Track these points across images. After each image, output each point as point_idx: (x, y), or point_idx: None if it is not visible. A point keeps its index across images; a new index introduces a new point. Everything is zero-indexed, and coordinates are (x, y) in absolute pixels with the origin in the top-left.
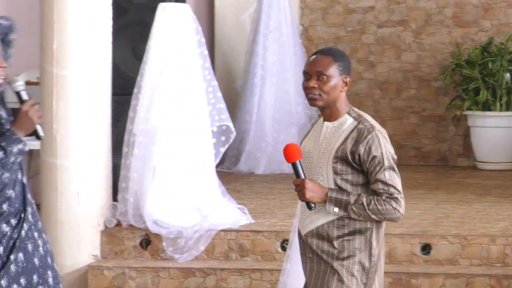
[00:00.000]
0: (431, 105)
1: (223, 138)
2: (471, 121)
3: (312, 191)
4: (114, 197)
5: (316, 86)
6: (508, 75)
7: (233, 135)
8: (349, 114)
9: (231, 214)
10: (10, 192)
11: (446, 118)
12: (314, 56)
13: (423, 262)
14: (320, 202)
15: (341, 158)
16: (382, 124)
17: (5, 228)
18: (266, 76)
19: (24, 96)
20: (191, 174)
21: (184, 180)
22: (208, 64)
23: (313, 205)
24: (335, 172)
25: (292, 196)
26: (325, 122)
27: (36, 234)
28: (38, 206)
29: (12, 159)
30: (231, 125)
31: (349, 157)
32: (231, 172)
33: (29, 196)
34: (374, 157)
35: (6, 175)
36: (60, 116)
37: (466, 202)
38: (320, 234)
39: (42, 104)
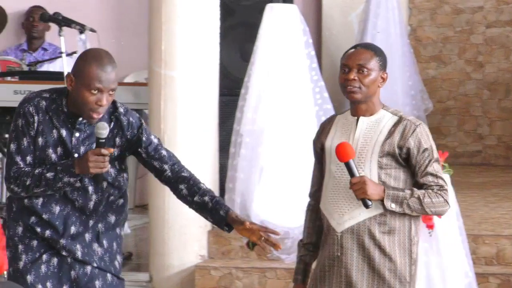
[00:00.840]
0: None
1: None
2: None
3: (372, 188)
4: (222, 198)
5: (356, 78)
6: None
7: None
8: (385, 109)
9: None
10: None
11: None
12: (354, 49)
13: None
14: (378, 199)
15: (388, 152)
16: (491, 125)
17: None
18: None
19: (101, 143)
20: (297, 174)
21: (291, 181)
22: (315, 64)
23: (370, 202)
24: (380, 167)
25: None
26: (361, 117)
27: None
28: (146, 206)
29: (59, 184)
30: None
31: (397, 151)
32: None
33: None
34: (425, 149)
35: (49, 192)
36: (168, 116)
37: None
38: (360, 230)
39: (150, 105)
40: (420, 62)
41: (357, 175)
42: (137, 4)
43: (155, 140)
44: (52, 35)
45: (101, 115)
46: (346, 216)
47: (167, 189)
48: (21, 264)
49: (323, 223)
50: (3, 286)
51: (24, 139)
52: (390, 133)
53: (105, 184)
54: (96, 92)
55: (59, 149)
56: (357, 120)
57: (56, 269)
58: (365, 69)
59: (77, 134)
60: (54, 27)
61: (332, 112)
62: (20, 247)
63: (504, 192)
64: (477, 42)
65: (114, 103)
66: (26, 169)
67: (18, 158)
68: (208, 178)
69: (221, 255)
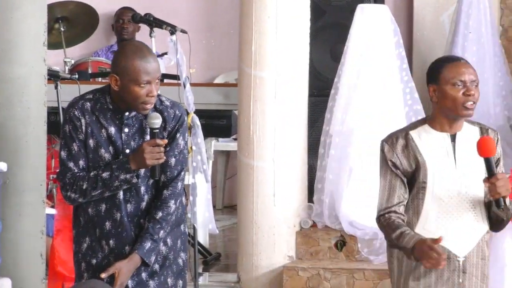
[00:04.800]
0: None
1: None
2: None
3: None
4: (310, 198)
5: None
6: None
7: None
8: (467, 122)
9: None
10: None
11: None
12: (462, 63)
13: None
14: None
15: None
16: None
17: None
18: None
19: (155, 133)
20: None
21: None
22: (405, 65)
23: (503, 202)
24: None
25: None
26: (463, 132)
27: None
28: (235, 207)
29: (116, 183)
30: None
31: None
32: None
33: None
34: (500, 155)
35: (107, 193)
36: (257, 117)
37: None
38: (480, 252)
39: (239, 105)
40: (511, 63)
41: (495, 172)
42: (228, 5)
43: (181, 143)
44: (143, 36)
45: (152, 105)
46: (466, 236)
47: (255, 190)
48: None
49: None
50: (89, 285)
51: (74, 144)
52: None
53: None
54: (145, 84)
55: (111, 148)
56: (453, 136)
57: None
58: (476, 84)
59: (126, 130)
60: (144, 28)
61: (422, 113)
62: (83, 264)
63: None
64: None
65: (158, 96)
66: (81, 173)
67: (71, 164)
68: (297, 179)
69: (309, 256)
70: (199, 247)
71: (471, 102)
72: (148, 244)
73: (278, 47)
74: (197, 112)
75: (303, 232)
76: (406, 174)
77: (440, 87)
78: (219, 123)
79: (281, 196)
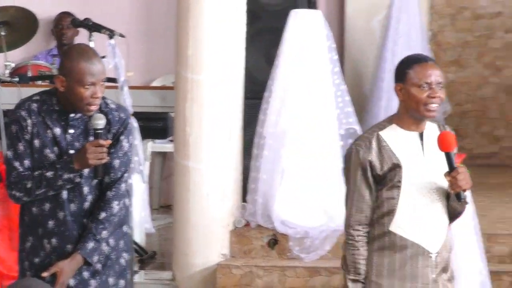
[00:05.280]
0: None
1: (350, 141)
2: None
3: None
4: (244, 198)
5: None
6: None
7: None
8: (428, 120)
9: None
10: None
11: None
12: (429, 64)
13: None
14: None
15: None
16: (508, 127)
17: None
18: (392, 81)
19: (98, 134)
20: (318, 176)
21: (312, 182)
22: (337, 69)
23: (463, 195)
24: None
25: None
26: (427, 129)
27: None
28: (171, 207)
29: (59, 182)
30: (358, 128)
31: None
32: None
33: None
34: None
35: (51, 193)
36: (193, 119)
37: None
38: (448, 246)
39: (176, 107)
40: (440, 67)
41: (455, 166)
42: (165, 9)
43: (126, 145)
44: (82, 40)
45: (97, 107)
46: (438, 230)
47: (191, 190)
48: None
49: (396, 246)
50: (25, 283)
51: (20, 144)
52: None
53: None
54: (89, 86)
55: (55, 148)
56: (421, 134)
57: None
58: (442, 85)
59: (71, 131)
60: (83, 32)
61: (353, 115)
62: (26, 263)
63: None
64: (495, 47)
65: (104, 99)
66: (26, 173)
67: (16, 163)
68: (231, 179)
69: (242, 254)
70: (135, 246)
71: (435, 105)
72: (91, 244)
73: (214, 51)
74: (135, 114)
75: (237, 231)
76: (377, 177)
77: (406, 87)
78: (156, 125)
79: (216, 196)
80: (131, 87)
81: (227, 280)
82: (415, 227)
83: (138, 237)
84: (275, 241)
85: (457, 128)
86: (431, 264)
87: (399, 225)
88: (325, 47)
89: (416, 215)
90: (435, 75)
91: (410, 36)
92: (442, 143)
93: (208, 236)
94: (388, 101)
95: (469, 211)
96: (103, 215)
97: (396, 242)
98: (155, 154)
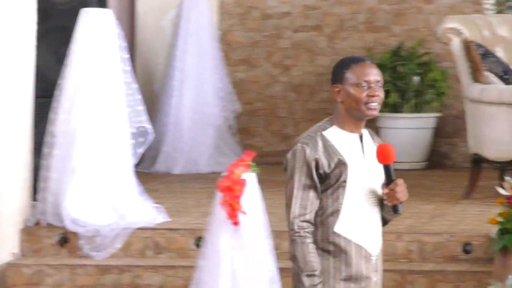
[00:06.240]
0: None
1: (141, 139)
2: (381, 123)
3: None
4: (35, 197)
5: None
6: (416, 78)
7: (151, 137)
8: None
9: (147, 213)
10: None
11: None
12: (367, 63)
13: None
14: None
15: None
16: (296, 125)
17: None
18: (184, 79)
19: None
20: (109, 174)
21: (102, 180)
22: (128, 67)
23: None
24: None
25: (208, 195)
26: (364, 134)
27: None
28: None
29: None
30: (149, 126)
31: None
32: (149, 172)
33: None
34: None
35: None
36: None
37: None
38: (381, 250)
39: None
40: (229, 65)
41: (394, 179)
42: None
43: None
44: None
45: None
46: (378, 235)
47: None
48: None
49: (340, 248)
50: None
51: None
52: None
53: None
54: None
55: None
56: (361, 137)
57: None
58: (380, 84)
59: None
60: None
61: (144, 114)
62: None
63: None
64: (284, 46)
65: None
66: None
67: None
68: (21, 178)
69: (33, 253)
70: None
71: (376, 103)
72: None
73: (4, 50)
74: None
75: (27, 229)
76: (324, 175)
77: (345, 88)
78: None
79: (6, 195)
80: None
81: (17, 279)
82: (358, 229)
83: None
84: (66, 239)
85: (247, 126)
86: (372, 267)
87: (344, 225)
88: (115, 46)
89: (359, 217)
90: (373, 74)
91: (200, 35)
92: (381, 155)
93: None
94: (179, 99)
95: (259, 209)
96: None
97: (340, 244)
98: None
